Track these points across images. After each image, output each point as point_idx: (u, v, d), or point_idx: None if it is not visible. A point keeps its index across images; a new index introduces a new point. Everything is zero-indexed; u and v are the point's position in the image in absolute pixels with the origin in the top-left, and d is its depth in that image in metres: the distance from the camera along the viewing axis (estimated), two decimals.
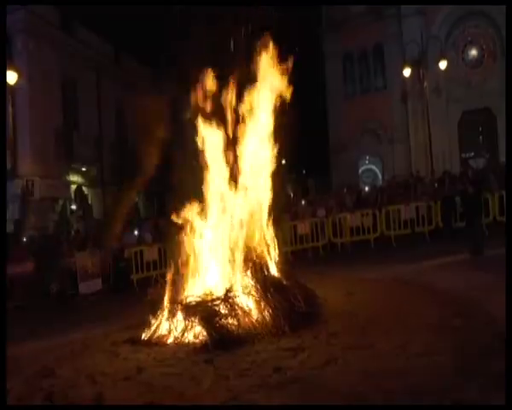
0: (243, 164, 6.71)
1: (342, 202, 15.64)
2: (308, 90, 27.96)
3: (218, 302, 5.81)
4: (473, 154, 25.12)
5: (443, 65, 22.33)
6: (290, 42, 6.74)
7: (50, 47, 19.36)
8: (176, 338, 5.79)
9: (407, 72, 22.89)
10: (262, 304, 5.83)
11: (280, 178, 6.77)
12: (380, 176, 27.25)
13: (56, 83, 19.89)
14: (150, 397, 4.00)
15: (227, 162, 6.72)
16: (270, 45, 6.57)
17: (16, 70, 15.01)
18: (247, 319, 5.65)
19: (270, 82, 6.69)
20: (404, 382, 3.69)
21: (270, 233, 6.71)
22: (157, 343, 5.85)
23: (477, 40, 24.89)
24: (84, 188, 21.63)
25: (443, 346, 4.42)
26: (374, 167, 28.18)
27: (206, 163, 6.74)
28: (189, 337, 5.66)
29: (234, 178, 6.69)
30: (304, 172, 36.64)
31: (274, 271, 6.43)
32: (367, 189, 18.98)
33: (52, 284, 12.01)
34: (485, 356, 4.01)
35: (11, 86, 15.11)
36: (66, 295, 11.95)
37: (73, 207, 20.52)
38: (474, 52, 25.04)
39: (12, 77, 14.53)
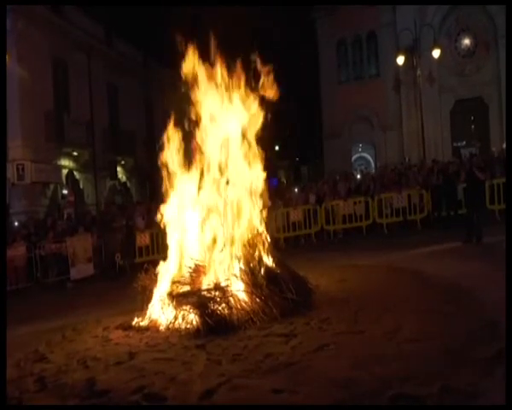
0: (235, 150, 6.67)
1: (335, 189, 15.67)
2: (301, 76, 27.93)
3: (210, 290, 5.81)
4: (464, 142, 25.19)
5: (436, 53, 22.28)
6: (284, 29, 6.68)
7: (40, 27, 18.95)
8: (168, 324, 5.79)
9: (400, 60, 22.85)
10: (254, 291, 5.83)
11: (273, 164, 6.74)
12: (372, 164, 27.29)
13: (46, 65, 19.53)
14: (142, 382, 4.00)
15: (217, 148, 6.68)
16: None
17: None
18: (239, 306, 5.65)
19: (262, 68, 6.65)
20: (394, 367, 3.71)
21: (262, 220, 6.69)
22: (149, 329, 5.86)
23: (470, 29, 24.80)
24: (75, 173, 21.43)
25: (433, 332, 4.45)
26: (366, 155, 28.20)
27: (195, 149, 6.72)
28: (181, 323, 5.66)
29: (225, 164, 6.65)
30: (297, 159, 36.72)
31: (266, 258, 6.42)
32: (359, 176, 19.00)
33: (116, 254, 12.89)
34: (475, 343, 4.04)
35: None
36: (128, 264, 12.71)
37: (65, 191, 20.34)
38: (466, 41, 24.95)
39: None
